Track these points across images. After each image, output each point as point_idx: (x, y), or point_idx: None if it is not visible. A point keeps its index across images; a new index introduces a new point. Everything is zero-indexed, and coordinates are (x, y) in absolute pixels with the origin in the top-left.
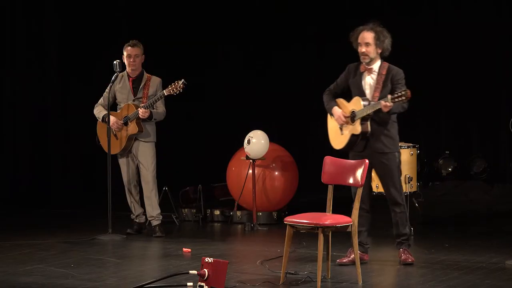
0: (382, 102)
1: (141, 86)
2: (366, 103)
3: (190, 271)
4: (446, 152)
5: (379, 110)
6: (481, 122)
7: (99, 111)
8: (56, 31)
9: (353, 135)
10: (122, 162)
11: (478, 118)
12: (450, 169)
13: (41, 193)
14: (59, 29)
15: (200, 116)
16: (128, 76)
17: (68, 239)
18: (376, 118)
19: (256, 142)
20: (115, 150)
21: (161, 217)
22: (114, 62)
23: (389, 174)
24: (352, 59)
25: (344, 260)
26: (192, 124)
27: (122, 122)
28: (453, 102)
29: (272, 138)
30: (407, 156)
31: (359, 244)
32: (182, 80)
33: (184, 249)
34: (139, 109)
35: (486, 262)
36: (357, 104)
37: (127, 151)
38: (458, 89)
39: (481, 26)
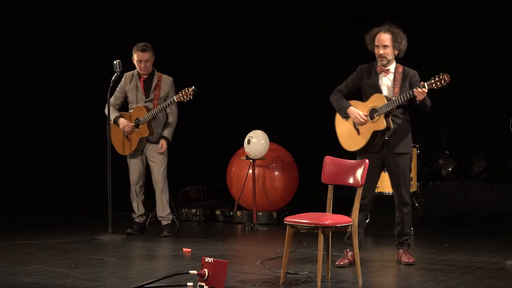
0: (417, 90)
1: (152, 87)
2: (387, 98)
3: (190, 271)
4: (446, 152)
5: (402, 108)
6: (481, 122)
7: (110, 112)
8: (56, 30)
9: (375, 132)
10: (132, 162)
11: (478, 118)
12: (450, 169)
13: (41, 193)
14: (59, 29)
15: (200, 116)
16: (139, 76)
17: (68, 239)
18: (397, 119)
19: (256, 142)
20: (126, 151)
21: (170, 216)
22: (114, 62)
23: (403, 175)
24: (353, 60)
25: (341, 263)
26: (192, 124)
27: (134, 124)
28: (453, 102)
29: (272, 138)
30: None
31: (353, 245)
32: (193, 87)
33: (184, 249)
34: (161, 143)
35: (486, 262)
36: (377, 101)
37: (138, 152)
38: (458, 89)
39: (481, 26)
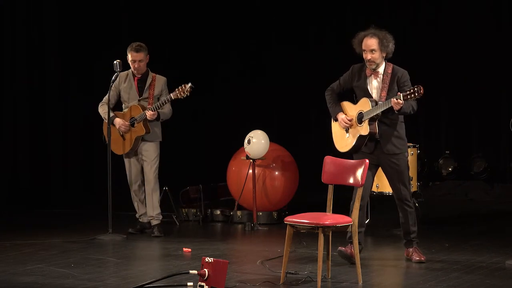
0: (394, 100)
1: (146, 86)
2: (373, 103)
3: (190, 271)
4: (446, 152)
5: (388, 110)
6: (481, 122)
7: (105, 111)
8: (56, 30)
9: (360, 136)
10: (128, 162)
11: (478, 118)
12: (450, 169)
13: (41, 193)
14: (59, 28)
15: (200, 116)
16: (134, 75)
17: (68, 239)
18: (386, 120)
19: (256, 142)
20: (122, 150)
21: (160, 217)
22: (114, 62)
23: (400, 174)
24: (353, 59)
25: (343, 248)
26: (192, 124)
27: (129, 123)
28: (453, 102)
29: (272, 138)
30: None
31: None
32: (190, 83)
33: (184, 249)
34: (146, 111)
35: (486, 262)
36: (365, 105)
37: (132, 151)
38: (458, 89)
39: (481, 26)
